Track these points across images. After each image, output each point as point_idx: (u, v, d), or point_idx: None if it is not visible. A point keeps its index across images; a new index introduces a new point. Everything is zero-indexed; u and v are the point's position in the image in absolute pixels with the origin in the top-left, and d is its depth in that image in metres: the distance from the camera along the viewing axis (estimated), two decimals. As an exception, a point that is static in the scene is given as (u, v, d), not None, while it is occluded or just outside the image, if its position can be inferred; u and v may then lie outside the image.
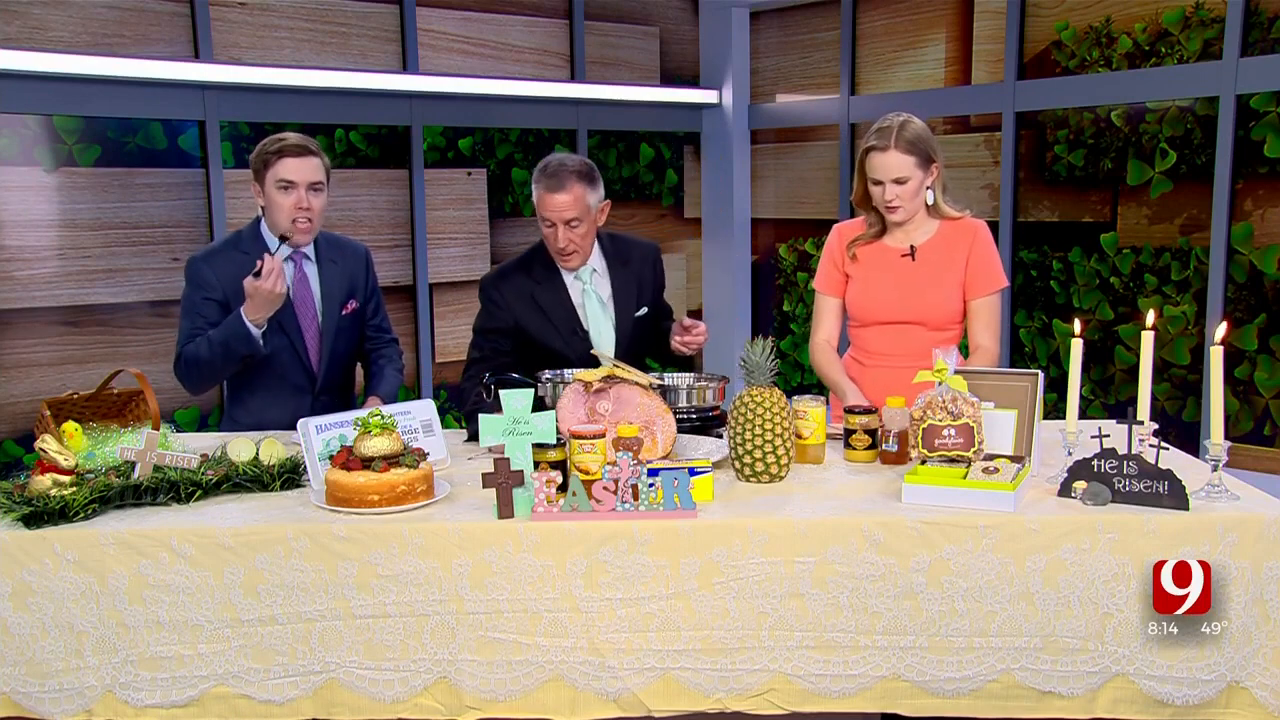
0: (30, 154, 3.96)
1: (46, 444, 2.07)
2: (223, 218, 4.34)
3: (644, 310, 2.94)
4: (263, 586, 1.93)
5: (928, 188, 2.66)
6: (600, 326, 2.88)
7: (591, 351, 2.70)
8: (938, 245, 2.70)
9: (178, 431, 2.42)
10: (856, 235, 2.77)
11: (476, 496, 2.08)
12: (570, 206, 2.74)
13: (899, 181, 2.61)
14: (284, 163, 2.66)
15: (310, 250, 2.81)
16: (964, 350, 2.75)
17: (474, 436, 2.48)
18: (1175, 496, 1.95)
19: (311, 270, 2.82)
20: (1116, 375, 4.59)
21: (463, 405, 2.84)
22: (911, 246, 2.71)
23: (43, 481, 2.01)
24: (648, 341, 2.97)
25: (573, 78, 5.38)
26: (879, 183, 2.63)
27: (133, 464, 2.12)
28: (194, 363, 2.66)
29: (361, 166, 4.78)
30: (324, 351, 2.81)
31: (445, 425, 2.52)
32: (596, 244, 2.90)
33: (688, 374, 2.68)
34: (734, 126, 5.86)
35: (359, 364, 3.04)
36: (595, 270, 2.90)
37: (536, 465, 2.06)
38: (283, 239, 2.70)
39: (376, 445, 2.03)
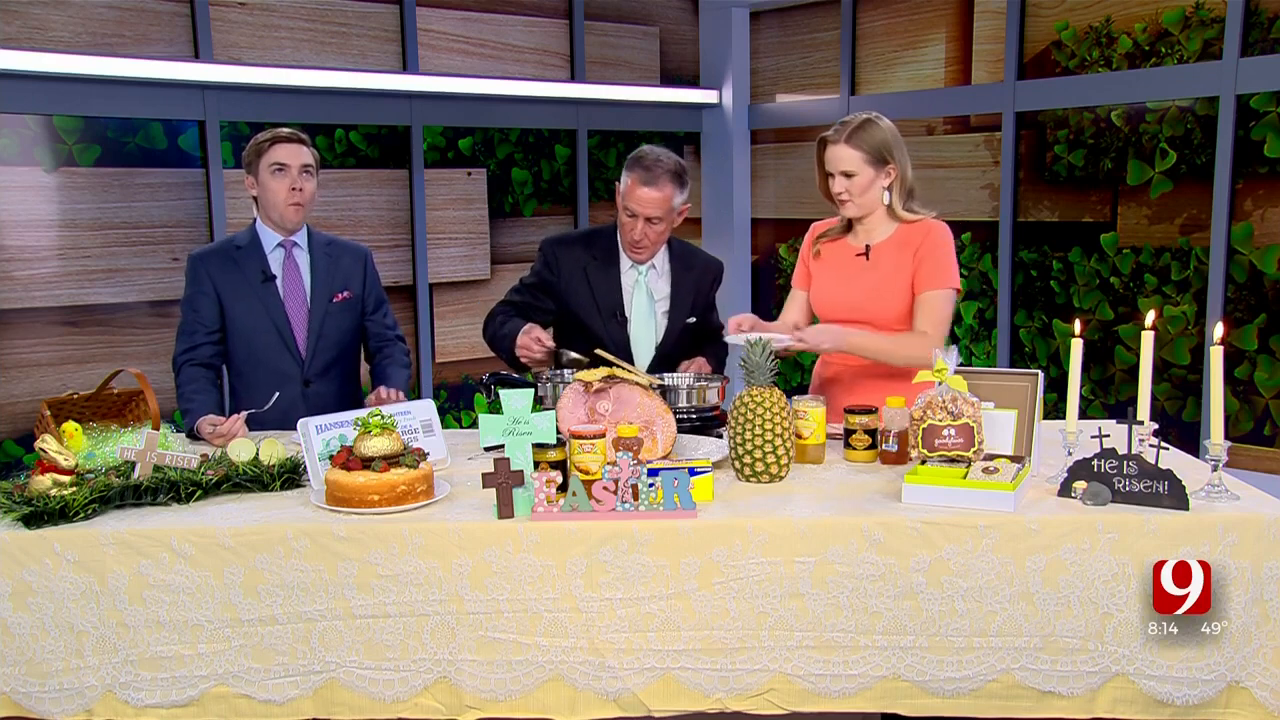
0: (30, 154, 3.96)
1: (46, 444, 2.07)
2: (223, 218, 4.34)
3: (693, 319, 2.97)
4: (263, 586, 1.93)
5: (885, 189, 2.66)
6: (642, 320, 2.91)
7: (596, 351, 2.71)
8: (893, 246, 2.69)
9: (178, 431, 2.42)
10: (825, 231, 2.81)
11: (476, 496, 2.08)
12: (657, 205, 2.78)
13: (847, 175, 2.63)
14: (277, 149, 2.79)
15: (303, 239, 2.88)
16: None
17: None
18: (1175, 496, 1.95)
19: (303, 258, 2.88)
20: (1116, 375, 4.59)
21: (485, 330, 2.95)
22: (867, 246, 2.71)
23: (43, 481, 2.01)
24: (686, 351, 2.95)
25: (573, 78, 5.38)
26: (831, 175, 2.66)
27: (133, 464, 2.12)
28: (175, 385, 2.80)
29: (361, 166, 4.78)
30: (312, 337, 2.85)
31: (445, 425, 2.53)
32: (664, 243, 2.94)
33: (688, 374, 2.69)
34: (734, 126, 5.86)
35: (365, 365, 3.05)
36: (654, 267, 2.94)
37: (536, 465, 2.06)
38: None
39: (376, 445, 2.03)
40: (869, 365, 2.68)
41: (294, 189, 2.79)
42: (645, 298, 2.92)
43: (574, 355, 2.70)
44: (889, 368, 2.64)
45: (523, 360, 2.76)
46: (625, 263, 2.92)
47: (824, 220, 2.85)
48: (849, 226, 2.76)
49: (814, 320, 2.83)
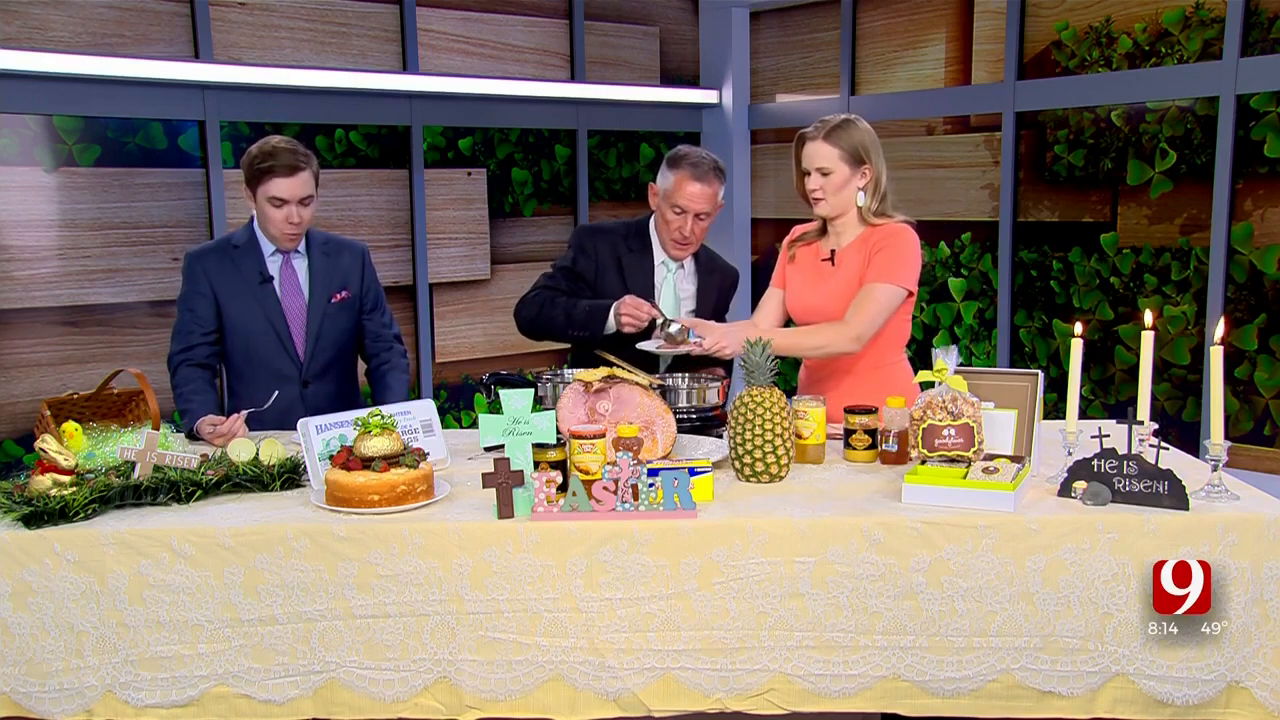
0: (30, 154, 3.96)
1: (46, 444, 2.07)
2: (223, 218, 4.34)
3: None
4: (263, 586, 1.93)
5: (859, 189, 2.66)
6: (668, 315, 2.91)
7: (595, 351, 2.72)
8: (855, 249, 2.69)
9: (178, 431, 2.42)
10: (801, 234, 2.82)
11: (476, 496, 2.08)
12: (707, 200, 2.84)
13: (823, 172, 2.64)
14: (275, 183, 2.70)
15: (300, 244, 2.86)
16: (922, 356, 2.74)
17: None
18: (1175, 496, 1.95)
19: (300, 263, 2.87)
20: (1116, 375, 4.59)
21: (535, 317, 2.92)
22: (832, 251, 2.72)
23: (43, 481, 2.01)
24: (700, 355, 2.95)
25: (573, 78, 5.38)
26: (807, 172, 2.67)
27: (133, 464, 2.12)
28: (172, 385, 2.79)
29: (361, 166, 4.78)
30: (310, 339, 2.84)
31: (445, 425, 2.53)
32: None
33: (688, 374, 2.69)
34: (734, 126, 5.86)
35: (362, 366, 3.05)
36: (682, 267, 2.98)
37: (536, 465, 2.06)
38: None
39: (376, 445, 2.03)
40: (845, 360, 2.69)
41: (291, 222, 2.74)
42: (672, 295, 2.96)
43: (679, 321, 2.62)
44: (863, 361, 2.64)
45: (628, 329, 2.73)
46: (657, 258, 2.95)
47: (805, 225, 2.86)
48: (824, 230, 2.77)
49: (789, 322, 2.84)
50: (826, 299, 2.68)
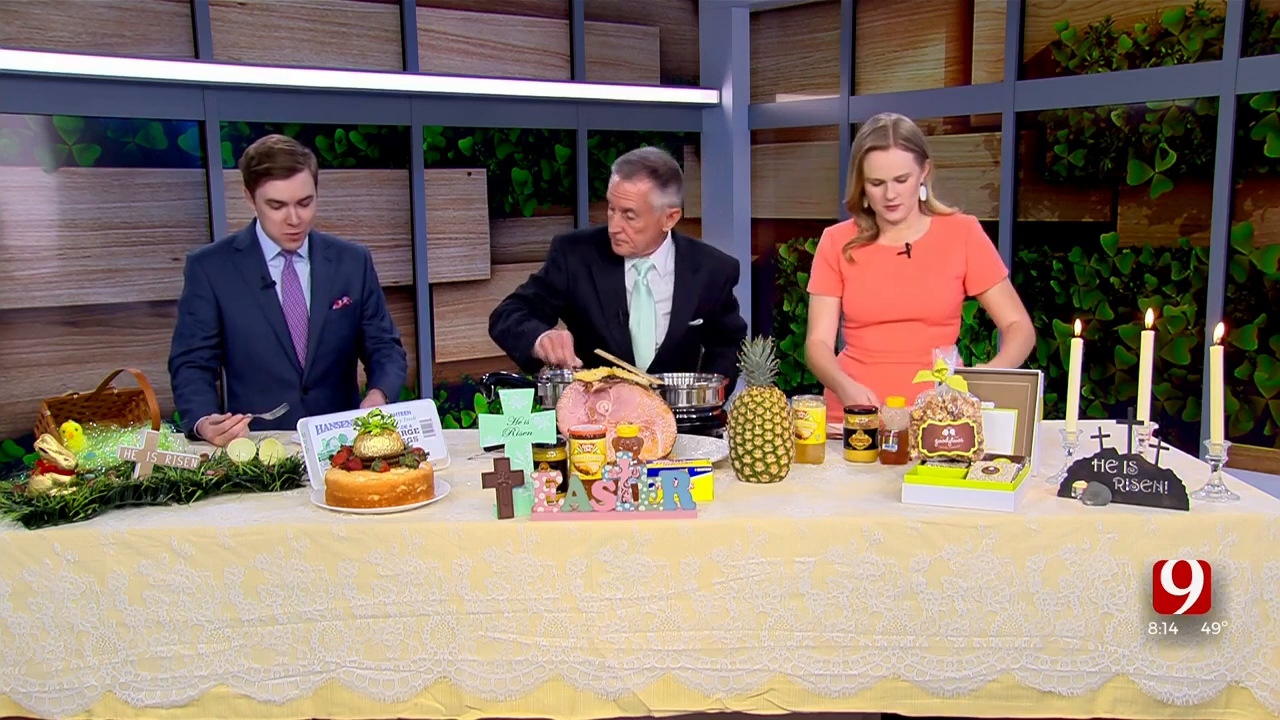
0: (30, 154, 3.96)
1: (46, 444, 2.07)
2: (223, 218, 4.34)
3: (699, 321, 2.96)
4: (263, 586, 1.93)
5: (921, 184, 2.67)
6: (642, 319, 2.92)
7: (595, 351, 2.72)
8: (932, 241, 2.70)
9: (178, 431, 2.42)
10: (850, 239, 2.76)
11: (476, 496, 2.08)
12: (631, 198, 2.81)
13: (900, 180, 2.61)
14: (272, 185, 2.67)
15: (303, 248, 2.85)
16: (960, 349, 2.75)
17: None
18: (1175, 496, 1.95)
19: (303, 267, 2.85)
20: (1116, 375, 4.59)
21: (493, 327, 2.94)
22: (907, 244, 2.71)
23: (43, 481, 2.01)
24: (693, 352, 2.89)
25: (573, 78, 5.38)
26: (879, 182, 2.62)
27: (133, 464, 2.12)
28: (172, 387, 2.78)
29: (361, 166, 4.78)
30: (311, 345, 2.83)
31: (445, 425, 2.53)
32: (671, 245, 2.95)
33: (688, 374, 2.69)
34: (734, 126, 5.86)
35: (361, 364, 3.04)
36: (654, 267, 2.94)
37: (536, 465, 2.06)
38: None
39: (376, 445, 2.03)
40: (886, 366, 2.68)
41: (290, 223, 2.72)
42: (645, 297, 2.92)
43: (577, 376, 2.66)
44: (907, 367, 2.61)
45: (540, 356, 2.72)
46: (629, 261, 2.92)
47: (838, 227, 2.81)
48: (876, 232, 2.74)
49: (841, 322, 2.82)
50: (912, 293, 2.68)
